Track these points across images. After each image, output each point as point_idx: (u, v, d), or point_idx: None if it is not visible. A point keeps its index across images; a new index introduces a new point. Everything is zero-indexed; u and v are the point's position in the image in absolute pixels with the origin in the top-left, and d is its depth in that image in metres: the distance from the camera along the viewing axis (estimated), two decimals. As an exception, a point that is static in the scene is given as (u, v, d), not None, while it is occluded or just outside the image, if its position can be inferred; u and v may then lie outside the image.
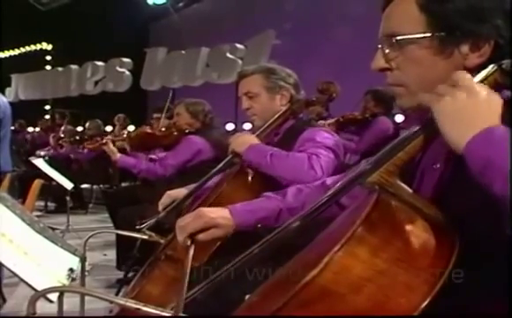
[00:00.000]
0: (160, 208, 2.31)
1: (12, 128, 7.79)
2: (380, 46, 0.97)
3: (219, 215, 1.36)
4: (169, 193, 2.35)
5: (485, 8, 0.88)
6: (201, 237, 1.31)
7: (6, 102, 3.53)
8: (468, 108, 0.77)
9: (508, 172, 0.69)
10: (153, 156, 3.98)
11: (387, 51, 0.96)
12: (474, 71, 0.87)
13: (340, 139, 2.14)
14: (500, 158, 0.71)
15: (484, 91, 0.79)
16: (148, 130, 3.92)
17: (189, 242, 1.26)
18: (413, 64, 0.93)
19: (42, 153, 7.29)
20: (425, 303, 0.72)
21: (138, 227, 2.15)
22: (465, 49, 0.90)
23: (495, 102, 0.78)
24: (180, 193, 2.30)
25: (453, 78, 0.80)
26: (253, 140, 1.95)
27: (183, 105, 3.58)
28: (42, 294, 0.97)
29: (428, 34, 0.91)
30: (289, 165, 1.83)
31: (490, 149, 0.72)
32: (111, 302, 1.10)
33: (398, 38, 0.93)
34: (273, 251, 1.00)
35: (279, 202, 1.46)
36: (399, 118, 4.17)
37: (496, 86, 0.86)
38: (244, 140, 1.96)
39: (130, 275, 2.53)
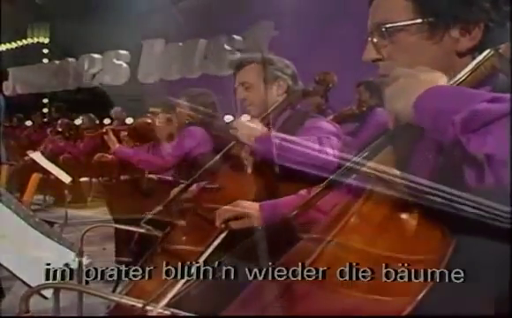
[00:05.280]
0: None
1: (10, 122, 7.82)
2: (369, 38, 0.97)
3: (251, 206, 1.55)
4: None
5: None
6: (233, 224, 1.50)
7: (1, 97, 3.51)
8: (409, 85, 0.81)
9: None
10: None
11: (376, 41, 0.96)
12: (467, 54, 0.89)
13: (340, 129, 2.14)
14: (446, 104, 0.74)
15: (423, 70, 0.84)
16: (148, 120, 3.90)
17: (223, 226, 1.48)
18: (404, 52, 0.94)
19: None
20: (421, 295, 0.71)
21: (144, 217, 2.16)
22: (455, 33, 0.91)
23: (436, 75, 0.82)
24: None
25: (392, 76, 0.86)
26: (260, 130, 1.94)
27: (186, 96, 3.51)
28: (36, 291, 0.96)
29: (417, 21, 0.91)
30: (300, 151, 1.82)
31: (435, 101, 0.76)
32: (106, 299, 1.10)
33: (388, 26, 0.93)
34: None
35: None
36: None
37: (493, 70, 0.85)
38: (251, 130, 1.94)
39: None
